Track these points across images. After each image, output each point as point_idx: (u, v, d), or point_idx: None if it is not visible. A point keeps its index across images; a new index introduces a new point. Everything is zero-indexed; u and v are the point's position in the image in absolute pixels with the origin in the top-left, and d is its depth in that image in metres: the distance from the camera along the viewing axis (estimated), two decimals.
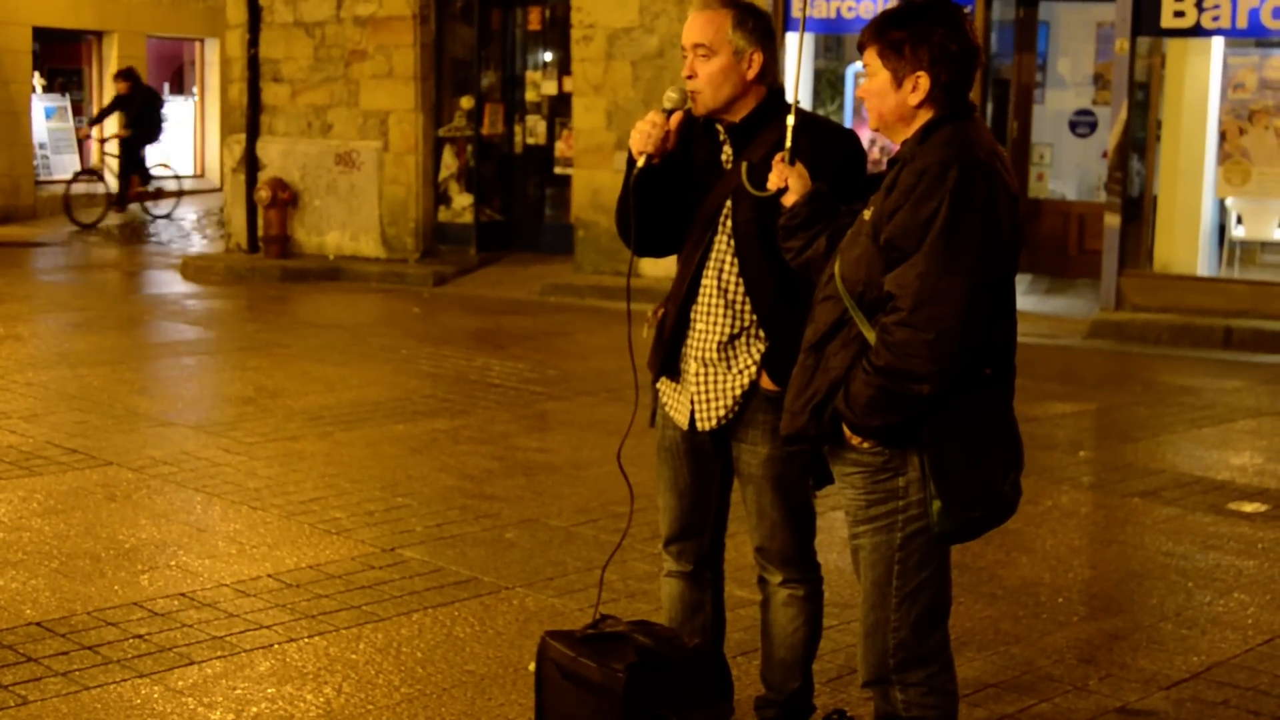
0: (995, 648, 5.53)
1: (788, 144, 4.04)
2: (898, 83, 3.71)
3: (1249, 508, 7.47)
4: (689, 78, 4.18)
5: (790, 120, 4.05)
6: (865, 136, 14.05)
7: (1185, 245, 14.11)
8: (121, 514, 7.03)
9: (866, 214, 3.75)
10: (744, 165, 4.16)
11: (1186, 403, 10.15)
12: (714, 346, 4.22)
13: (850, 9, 14.43)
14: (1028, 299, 14.27)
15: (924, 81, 3.68)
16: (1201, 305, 13.17)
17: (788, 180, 4.02)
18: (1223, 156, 13.72)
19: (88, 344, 11.61)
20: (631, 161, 4.21)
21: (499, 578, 6.20)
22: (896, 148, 3.78)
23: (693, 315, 4.26)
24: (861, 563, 3.87)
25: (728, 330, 4.21)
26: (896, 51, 3.68)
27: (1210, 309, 13.07)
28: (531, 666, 4.26)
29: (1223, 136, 13.72)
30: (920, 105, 3.70)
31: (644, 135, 4.16)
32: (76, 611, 5.70)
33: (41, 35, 23.01)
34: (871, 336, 3.65)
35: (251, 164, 17.55)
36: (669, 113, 4.18)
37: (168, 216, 21.63)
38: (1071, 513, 7.42)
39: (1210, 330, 12.66)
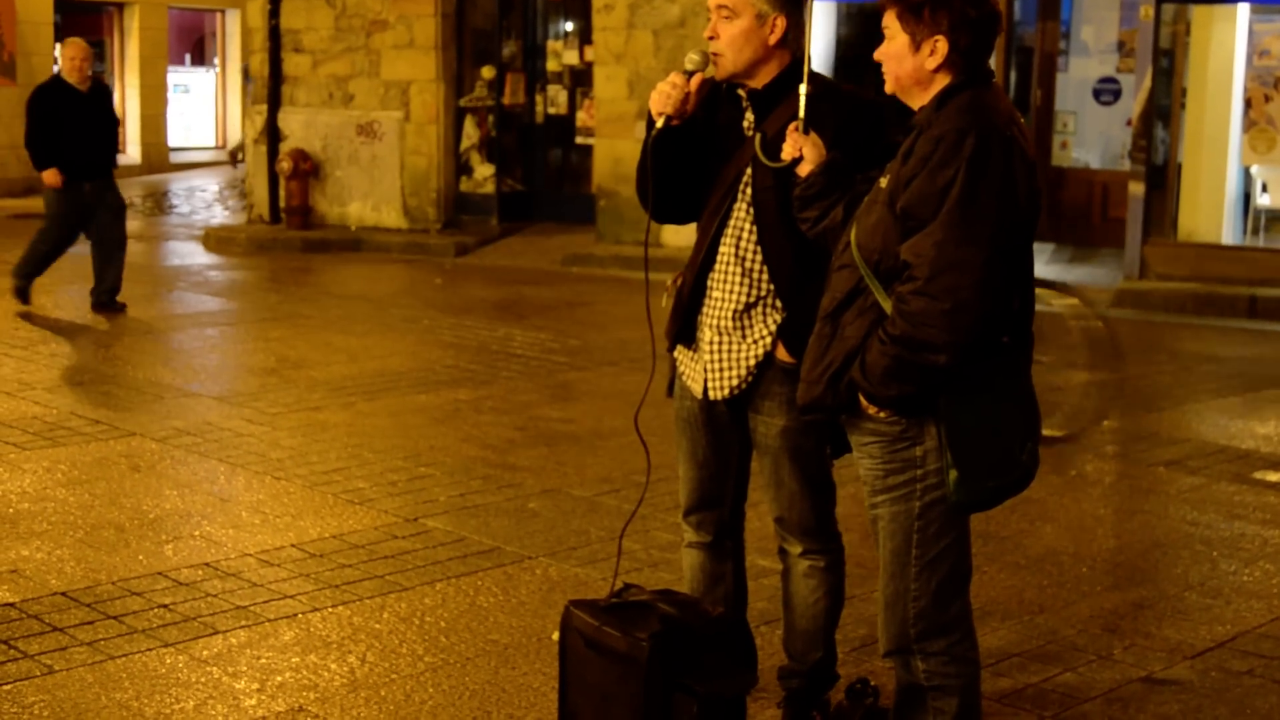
0: (1019, 617, 5.52)
1: (801, 113, 4.01)
2: (915, 46, 3.67)
3: (1274, 477, 7.44)
4: (711, 39, 4.15)
5: (803, 89, 4.02)
6: None
7: (1210, 213, 14.04)
8: (145, 484, 7.05)
9: (883, 182, 3.73)
10: (758, 137, 4.13)
11: (1211, 372, 10.11)
12: (729, 315, 4.20)
13: None
14: (1051, 268, 14.21)
15: (942, 46, 3.65)
16: (1226, 274, 13.10)
17: (802, 150, 3.99)
18: (1248, 124, 13.64)
19: (110, 315, 11.63)
20: (651, 123, 4.18)
21: (522, 547, 6.21)
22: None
23: (709, 283, 4.24)
24: (880, 532, 3.85)
25: (744, 299, 4.18)
26: (915, 15, 3.65)
27: (1235, 277, 13.01)
28: (555, 636, 4.26)
29: (1248, 104, 13.63)
30: (937, 70, 3.67)
31: (663, 96, 4.13)
32: (101, 581, 5.72)
33: (63, 6, 23.03)
34: (888, 305, 3.63)
35: (273, 135, 17.56)
36: (690, 74, 4.14)
37: None
38: (1095, 482, 7.40)
39: (1235, 299, 12.60)
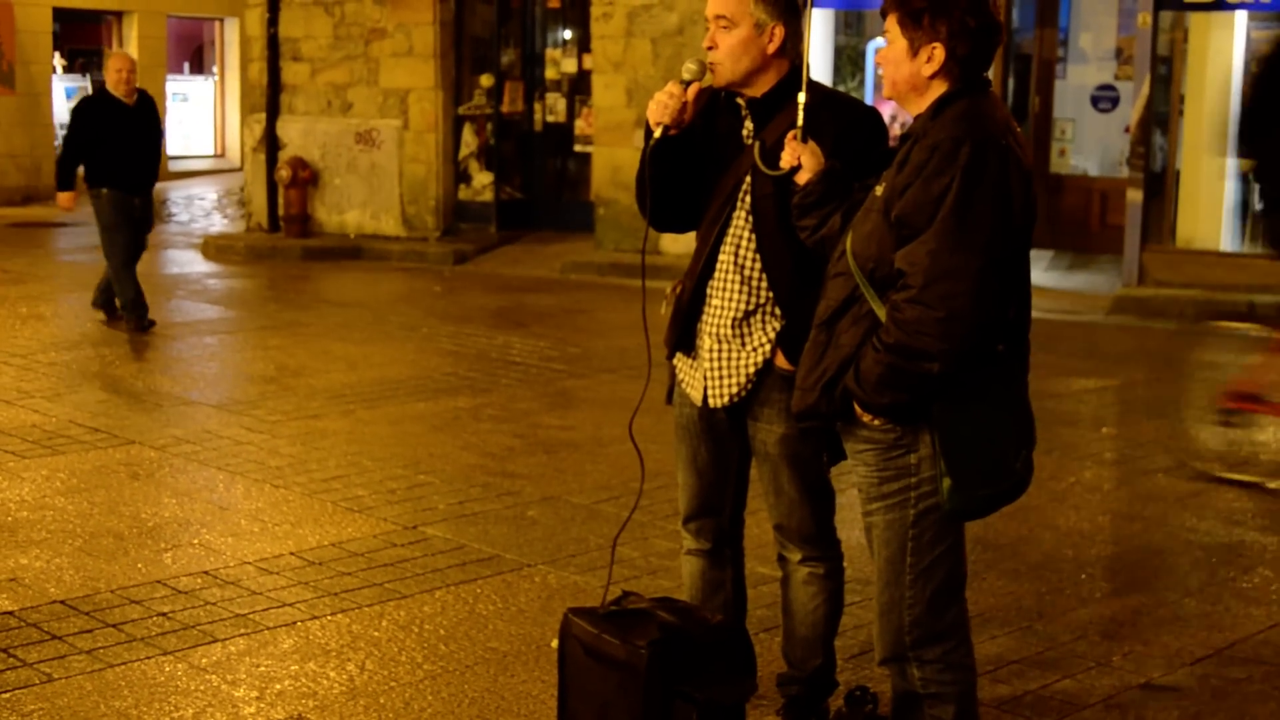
0: (1018, 624, 5.52)
1: (799, 121, 4.02)
2: (913, 52, 3.68)
3: (1273, 484, 7.44)
4: (709, 49, 4.15)
5: (801, 98, 4.02)
6: (886, 113, 14.00)
7: (1208, 220, 14.05)
8: (144, 492, 7.05)
9: (879, 190, 3.73)
10: (756, 145, 4.14)
11: (1209, 378, 10.10)
12: (729, 323, 4.21)
13: None
14: (1050, 275, 14.22)
15: (939, 53, 3.65)
16: (1224, 280, 13.10)
17: (800, 158, 3.99)
18: None
19: (113, 324, 11.62)
20: (649, 132, 4.19)
21: (521, 555, 6.21)
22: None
23: (709, 291, 4.25)
24: (875, 540, 3.85)
25: (743, 306, 4.19)
26: (915, 21, 3.66)
27: (1233, 284, 13.01)
28: (554, 643, 4.26)
29: None
30: (933, 77, 3.68)
31: (661, 106, 4.13)
32: (100, 590, 5.72)
33: (61, 16, 23.05)
34: (882, 313, 3.63)
35: (272, 143, 17.57)
36: (687, 84, 4.15)
37: None
38: (1094, 489, 7.40)
39: (1233, 306, 12.59)
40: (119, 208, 11.23)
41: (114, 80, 11.31)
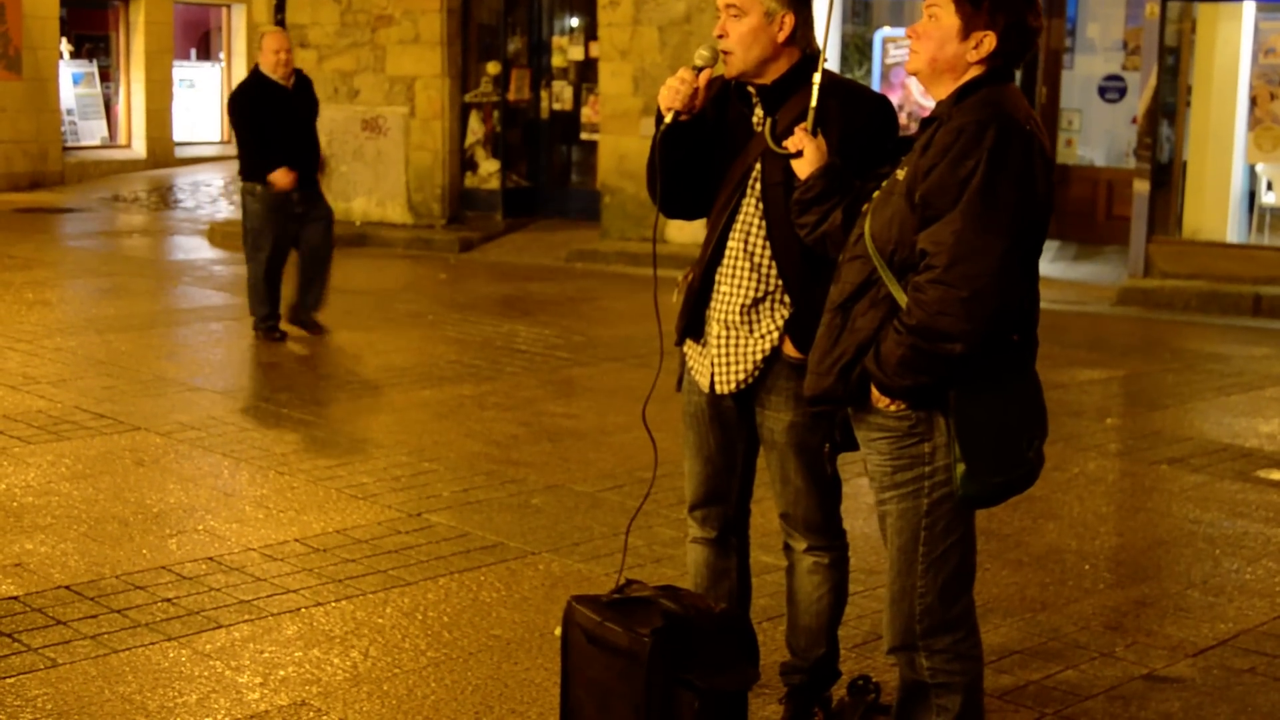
0: (1021, 615, 5.52)
1: (812, 103, 4.02)
2: (965, 34, 3.66)
3: (1277, 475, 7.44)
4: (720, 37, 4.15)
5: (815, 88, 4.02)
6: (893, 100, 13.97)
7: (1215, 211, 14.04)
8: (149, 479, 7.06)
9: (900, 174, 3.72)
10: (769, 122, 4.14)
11: (1215, 370, 10.11)
12: (737, 309, 4.21)
13: None
14: (1055, 265, 14.21)
15: (989, 43, 3.63)
16: (1230, 272, 13.10)
17: (805, 148, 3.98)
18: (1253, 122, 13.63)
19: (116, 309, 11.65)
20: (660, 118, 4.19)
21: (525, 543, 6.22)
22: (924, 115, 3.74)
23: (717, 277, 4.25)
24: (888, 529, 3.85)
25: (752, 293, 4.19)
26: (975, 4, 3.63)
27: (1239, 276, 13.00)
28: (557, 631, 4.26)
29: (1253, 102, 13.62)
30: (975, 63, 3.66)
31: (672, 91, 4.14)
32: (105, 575, 5.73)
33: (69, 1, 23.02)
34: (901, 297, 3.62)
35: None
36: (699, 70, 4.15)
37: None
38: (1099, 479, 7.40)
39: (1239, 297, 12.59)
40: (274, 206, 10.29)
41: (271, 62, 10.31)
